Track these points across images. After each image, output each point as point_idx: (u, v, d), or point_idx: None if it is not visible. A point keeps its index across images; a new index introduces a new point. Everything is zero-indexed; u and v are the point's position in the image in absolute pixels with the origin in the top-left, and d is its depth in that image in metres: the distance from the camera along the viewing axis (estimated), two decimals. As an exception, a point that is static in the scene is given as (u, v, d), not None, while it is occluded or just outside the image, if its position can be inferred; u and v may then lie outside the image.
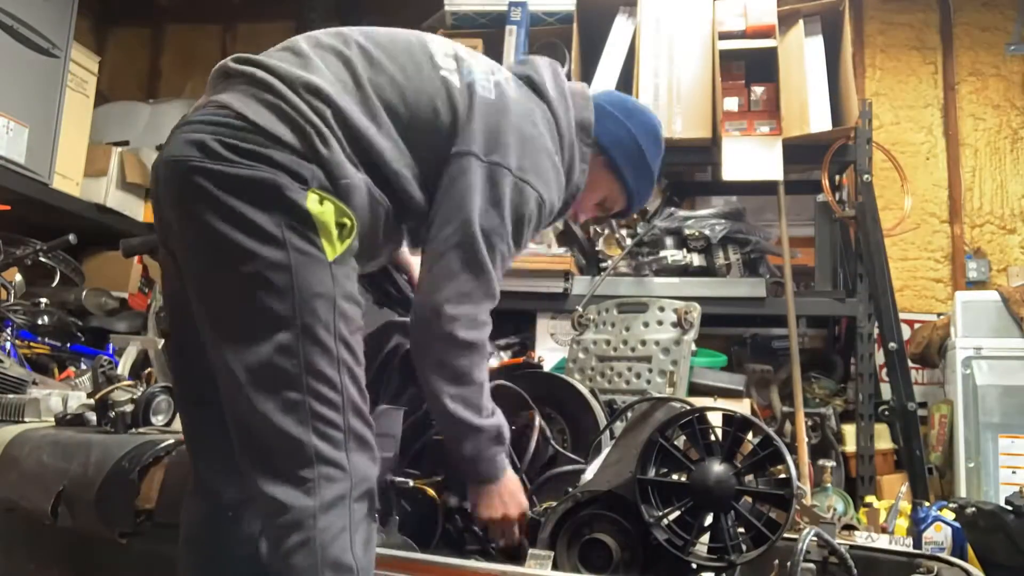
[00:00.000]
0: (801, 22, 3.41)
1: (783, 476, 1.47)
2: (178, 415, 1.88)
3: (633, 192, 1.75)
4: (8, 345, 2.84)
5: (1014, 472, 3.01)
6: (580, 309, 2.67)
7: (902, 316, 3.41)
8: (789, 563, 1.36)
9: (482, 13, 3.67)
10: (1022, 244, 3.97)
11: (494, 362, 2.55)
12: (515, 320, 3.54)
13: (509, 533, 1.61)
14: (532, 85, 1.61)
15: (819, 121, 3.29)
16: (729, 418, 1.53)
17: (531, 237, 1.55)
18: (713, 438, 1.53)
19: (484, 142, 1.46)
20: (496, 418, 1.53)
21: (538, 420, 1.79)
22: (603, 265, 3.43)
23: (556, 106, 1.60)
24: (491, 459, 1.53)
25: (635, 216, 3.56)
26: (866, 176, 3.32)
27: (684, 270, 3.35)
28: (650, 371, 2.40)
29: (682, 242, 3.38)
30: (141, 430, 2.05)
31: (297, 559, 1.24)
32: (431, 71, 1.48)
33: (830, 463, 2.95)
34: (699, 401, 1.81)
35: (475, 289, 1.45)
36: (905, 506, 2.61)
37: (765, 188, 3.39)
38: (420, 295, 1.48)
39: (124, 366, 3.20)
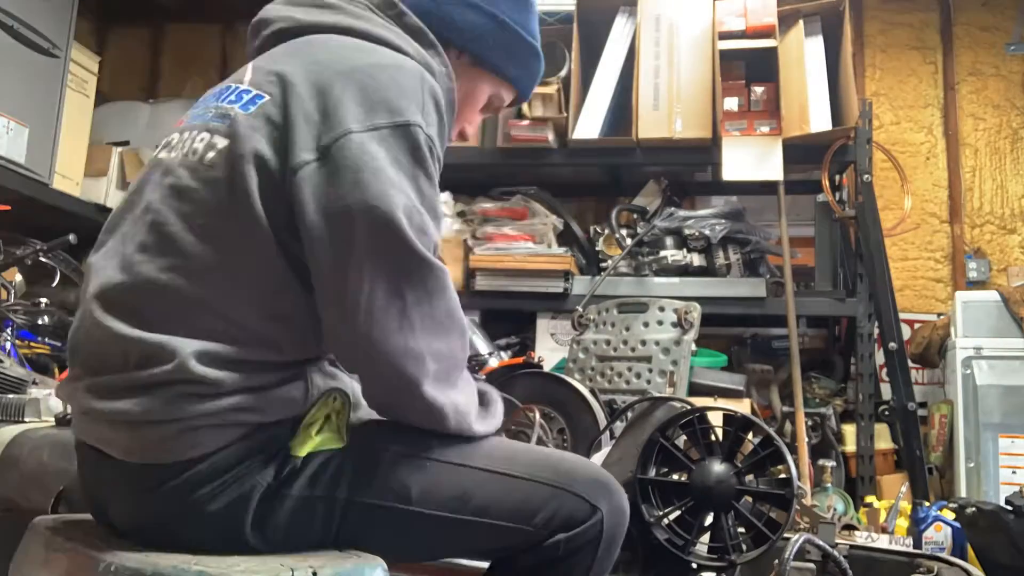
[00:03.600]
0: (801, 22, 3.41)
1: (783, 476, 1.48)
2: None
3: (517, 79, 1.42)
4: (8, 345, 2.83)
5: (1014, 472, 3.01)
6: (580, 309, 2.68)
7: (902, 316, 3.40)
8: (775, 569, 1.36)
9: (482, 13, 3.66)
10: (1022, 244, 3.97)
11: (494, 362, 2.56)
12: (515, 320, 3.54)
13: None
14: (335, 28, 1.22)
15: (819, 121, 3.29)
16: (730, 418, 1.53)
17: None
18: (713, 438, 1.53)
19: (308, 136, 1.08)
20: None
21: (538, 418, 1.79)
22: (603, 265, 3.43)
23: (375, 29, 1.22)
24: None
25: (635, 216, 3.57)
26: (866, 176, 3.32)
27: (684, 270, 3.35)
28: (650, 371, 2.40)
29: (682, 242, 3.37)
30: (141, 430, 2.05)
31: None
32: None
33: (830, 463, 2.95)
34: (699, 401, 1.81)
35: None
36: (905, 506, 2.61)
37: (765, 188, 3.39)
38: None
39: (124, 366, 3.19)
